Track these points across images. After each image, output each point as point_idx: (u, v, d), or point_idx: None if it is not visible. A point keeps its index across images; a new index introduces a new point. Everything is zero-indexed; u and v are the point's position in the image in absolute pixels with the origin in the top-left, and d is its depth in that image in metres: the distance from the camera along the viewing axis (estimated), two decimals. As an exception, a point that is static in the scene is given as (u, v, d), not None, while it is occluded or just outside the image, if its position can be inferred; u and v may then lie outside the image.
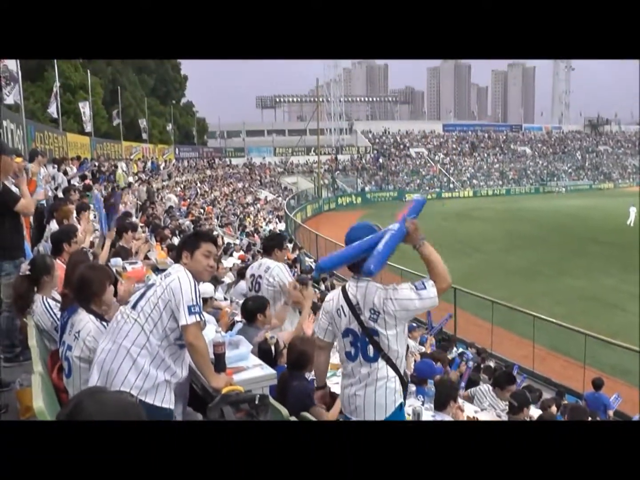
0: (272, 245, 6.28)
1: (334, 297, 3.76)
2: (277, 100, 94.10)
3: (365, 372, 3.56)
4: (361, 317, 3.49)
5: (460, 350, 12.46)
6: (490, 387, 7.04)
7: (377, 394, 3.52)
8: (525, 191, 71.96)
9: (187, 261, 3.68)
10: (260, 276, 6.03)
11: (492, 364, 12.03)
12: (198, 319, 3.48)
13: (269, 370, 4.23)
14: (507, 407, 6.43)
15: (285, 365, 4.71)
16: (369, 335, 3.48)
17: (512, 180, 74.89)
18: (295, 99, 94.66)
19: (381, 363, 3.51)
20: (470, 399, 7.10)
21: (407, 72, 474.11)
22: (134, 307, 3.57)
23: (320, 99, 73.21)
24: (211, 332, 4.48)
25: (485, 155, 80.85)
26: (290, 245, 24.22)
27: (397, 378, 3.56)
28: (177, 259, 3.83)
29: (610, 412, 10.46)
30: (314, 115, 68.47)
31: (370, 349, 3.51)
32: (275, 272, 5.90)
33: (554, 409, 8.67)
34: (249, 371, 4.16)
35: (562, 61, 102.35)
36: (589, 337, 13.48)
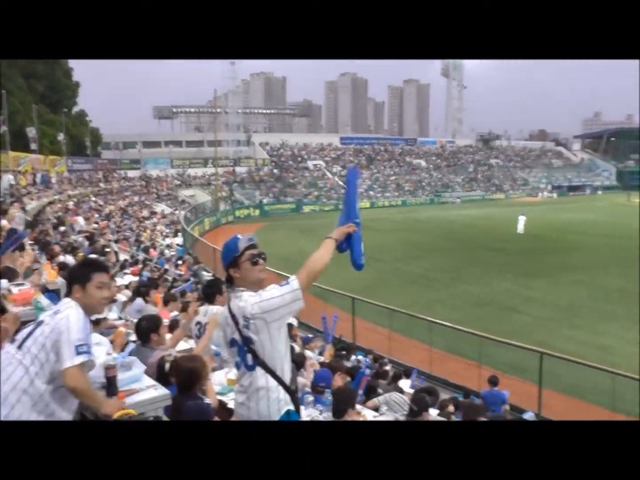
0: (213, 292, 6.50)
1: (224, 309, 3.74)
2: (174, 110, 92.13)
3: (247, 382, 3.54)
4: (239, 325, 3.48)
5: (359, 357, 12.63)
6: (404, 397, 7.08)
7: (260, 403, 3.49)
8: (421, 202, 74.18)
9: (79, 295, 3.54)
10: (207, 323, 6.07)
11: (389, 368, 12.21)
12: (85, 358, 3.35)
13: (163, 391, 4.15)
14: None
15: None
16: (246, 343, 3.48)
17: (408, 192, 76.92)
18: (192, 110, 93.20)
19: (260, 372, 3.49)
20: (376, 409, 7.12)
21: (305, 86, 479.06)
22: (19, 347, 3.38)
23: (219, 110, 72.63)
24: (102, 354, 4.37)
25: (382, 167, 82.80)
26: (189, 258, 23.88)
27: (280, 387, 3.52)
28: (67, 293, 3.65)
29: (507, 407, 10.98)
30: (211, 126, 67.76)
31: (249, 358, 3.50)
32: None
33: (451, 407, 8.88)
34: (143, 393, 4.07)
35: (454, 79, 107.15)
36: (483, 338, 14.10)
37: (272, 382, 3.48)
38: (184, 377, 4.43)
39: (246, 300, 3.44)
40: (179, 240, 33.07)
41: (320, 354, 10.91)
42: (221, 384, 5.75)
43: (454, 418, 8.24)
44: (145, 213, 41.63)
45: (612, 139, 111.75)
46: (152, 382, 4.28)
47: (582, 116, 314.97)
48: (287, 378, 3.56)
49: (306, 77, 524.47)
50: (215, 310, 6.07)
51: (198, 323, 6.42)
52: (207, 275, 20.10)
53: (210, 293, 6.55)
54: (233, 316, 3.52)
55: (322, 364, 8.63)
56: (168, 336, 6.16)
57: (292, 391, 3.61)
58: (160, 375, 4.75)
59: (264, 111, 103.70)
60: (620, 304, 21.72)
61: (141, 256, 21.43)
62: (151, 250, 25.28)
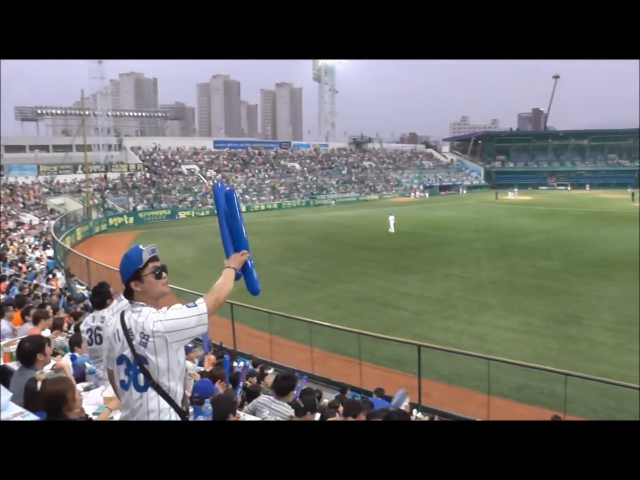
0: (102, 298, 6.33)
1: (113, 322, 3.41)
2: (39, 112, 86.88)
3: (137, 404, 3.24)
4: (133, 342, 3.20)
5: (241, 363, 12.41)
6: (270, 397, 6.97)
7: None
8: (296, 205, 74.73)
9: None
10: (98, 327, 5.94)
11: (271, 372, 12.06)
12: None
13: (31, 418, 3.75)
14: (291, 411, 6.43)
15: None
16: (140, 362, 3.20)
17: (283, 195, 77.27)
18: (59, 112, 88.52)
19: (152, 393, 3.23)
20: (252, 413, 6.96)
21: (176, 87, 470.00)
22: None
23: (87, 112, 69.56)
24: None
25: (257, 171, 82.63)
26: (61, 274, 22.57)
27: (172, 409, 3.28)
28: None
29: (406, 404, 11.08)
30: (80, 129, 64.64)
31: (141, 378, 3.22)
32: None
33: (341, 408, 8.84)
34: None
35: (326, 84, 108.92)
36: (362, 335, 14.31)
37: (164, 405, 3.25)
38: (49, 400, 4.06)
39: (147, 316, 3.19)
40: (49, 252, 31.23)
41: (200, 363, 10.64)
42: (97, 403, 5.36)
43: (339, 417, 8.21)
44: (11, 224, 39.25)
45: (479, 141, 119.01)
46: (19, 409, 3.90)
47: (450, 120, 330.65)
48: (179, 399, 3.34)
49: (177, 78, 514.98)
50: (104, 315, 5.83)
51: (89, 330, 6.21)
52: (80, 289, 19.15)
53: (100, 299, 6.31)
54: (126, 331, 3.23)
55: (202, 374, 8.40)
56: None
57: (183, 413, 3.39)
58: (29, 398, 4.37)
59: (135, 114, 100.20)
60: (493, 295, 22.92)
61: (8, 272, 20.05)
62: (19, 264, 23.76)
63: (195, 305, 3.22)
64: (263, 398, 7.04)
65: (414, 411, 10.96)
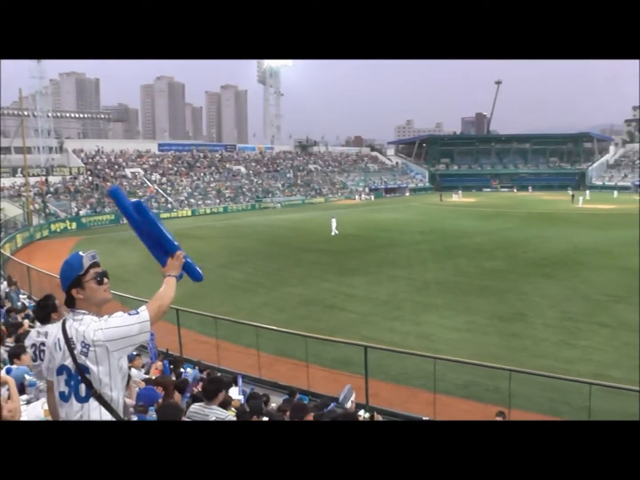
0: (47, 312, 6.09)
1: (54, 331, 3.32)
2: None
3: (78, 415, 3.12)
4: (75, 351, 3.09)
5: (188, 369, 12.25)
6: (201, 404, 6.84)
7: None
8: (242, 208, 74.19)
9: None
10: (42, 343, 5.58)
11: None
12: None
13: None
14: (224, 414, 6.34)
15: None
16: (81, 372, 3.09)
17: (228, 198, 76.66)
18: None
19: (93, 404, 3.11)
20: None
21: (119, 88, 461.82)
22: None
23: (26, 113, 67.56)
24: None
25: (202, 174, 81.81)
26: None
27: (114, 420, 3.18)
28: None
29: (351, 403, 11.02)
30: (18, 131, 62.62)
31: (82, 388, 3.11)
32: None
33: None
34: None
35: (271, 87, 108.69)
36: (308, 337, 14.32)
37: (106, 415, 3.13)
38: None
39: (88, 325, 3.08)
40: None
41: (147, 372, 10.44)
42: (37, 416, 5.23)
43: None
44: (-57, 232, 37.77)
45: (424, 144, 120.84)
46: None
47: (395, 123, 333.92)
48: (120, 410, 3.24)
49: (120, 79, 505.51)
50: (48, 330, 5.63)
51: (33, 345, 5.90)
52: (21, 298, 18.50)
53: (45, 313, 6.06)
54: (68, 340, 3.13)
55: (147, 381, 8.22)
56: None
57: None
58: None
59: (77, 115, 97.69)
60: (438, 295, 23.24)
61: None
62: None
63: (137, 313, 3.13)
64: (195, 406, 6.90)
65: (361, 412, 10.96)
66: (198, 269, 3.81)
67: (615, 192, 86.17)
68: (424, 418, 10.88)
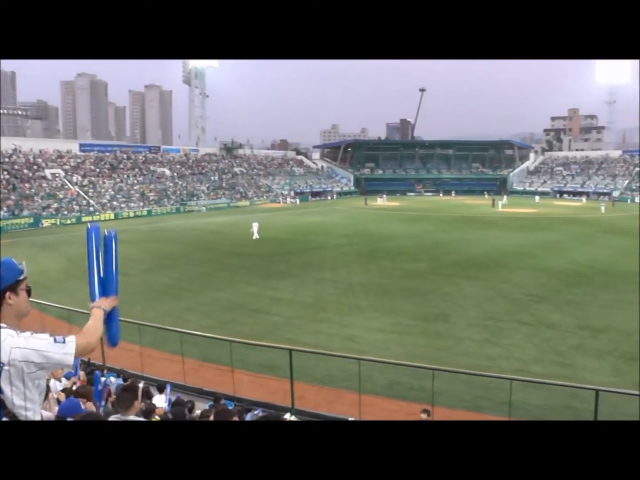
0: None
1: None
2: None
3: None
4: None
5: (111, 378, 11.96)
6: (117, 416, 6.69)
7: None
8: (167, 211, 73.01)
9: None
10: None
11: (141, 386, 11.67)
12: None
13: None
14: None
15: None
16: None
17: (153, 201, 75.28)
18: None
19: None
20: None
21: (38, 84, 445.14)
22: None
23: None
24: None
25: (125, 176, 79.98)
26: None
27: None
28: None
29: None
30: None
31: None
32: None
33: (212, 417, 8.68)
34: None
35: (197, 87, 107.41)
36: (234, 342, 14.21)
37: None
38: None
39: (4, 340, 2.82)
40: None
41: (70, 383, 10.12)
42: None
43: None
44: None
45: (349, 149, 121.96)
46: None
47: (320, 128, 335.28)
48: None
49: (39, 74, 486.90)
50: None
51: None
52: None
53: None
54: None
55: (66, 392, 7.99)
56: None
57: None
58: None
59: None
60: (363, 297, 23.54)
61: None
62: None
63: (64, 343, 2.92)
64: (112, 418, 6.76)
65: (288, 415, 11.00)
66: (119, 333, 3.69)
67: (537, 197, 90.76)
68: (349, 419, 10.99)
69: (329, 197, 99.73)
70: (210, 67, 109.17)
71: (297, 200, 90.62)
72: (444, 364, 14.91)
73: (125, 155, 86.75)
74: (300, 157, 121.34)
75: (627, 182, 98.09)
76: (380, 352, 16.53)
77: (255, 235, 42.62)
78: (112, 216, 65.06)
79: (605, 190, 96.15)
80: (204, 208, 75.74)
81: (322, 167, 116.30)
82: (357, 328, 19.31)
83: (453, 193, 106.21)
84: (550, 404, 13.26)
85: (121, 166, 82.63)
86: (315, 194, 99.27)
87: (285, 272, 29.10)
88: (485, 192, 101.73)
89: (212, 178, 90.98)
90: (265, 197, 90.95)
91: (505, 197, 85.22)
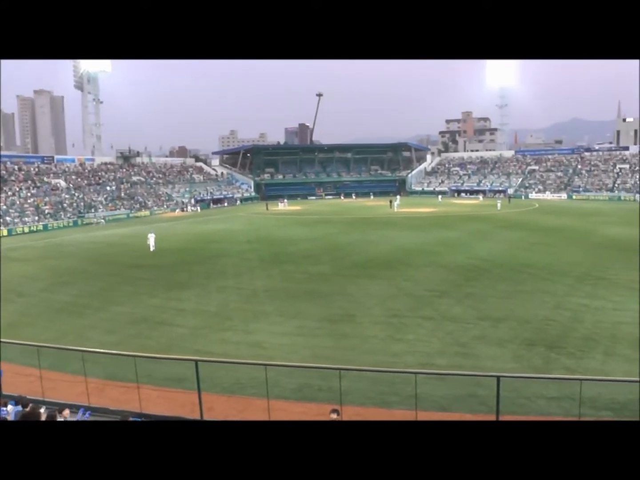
0: None
1: None
2: None
3: None
4: None
5: (10, 406, 11.47)
6: None
7: None
8: (63, 225, 70.25)
9: None
10: None
11: (42, 411, 11.28)
12: None
13: None
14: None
15: None
16: None
17: (48, 215, 72.32)
18: None
19: None
20: None
21: None
22: None
23: None
24: None
25: (17, 189, 76.41)
26: None
27: None
28: None
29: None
30: None
31: None
32: None
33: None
34: None
35: (90, 93, 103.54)
36: (138, 357, 13.98)
37: None
38: None
39: None
40: None
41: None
42: None
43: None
44: None
45: (248, 154, 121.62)
46: None
47: (219, 133, 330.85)
48: None
49: None
50: None
51: None
52: None
53: None
54: None
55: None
56: None
57: None
58: None
59: None
60: (268, 303, 23.71)
61: None
62: None
63: None
64: None
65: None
66: None
67: (440, 197, 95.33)
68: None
69: (231, 204, 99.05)
70: (102, 72, 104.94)
71: (198, 208, 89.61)
72: (351, 363, 15.33)
73: (16, 167, 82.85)
74: (199, 164, 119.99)
75: (520, 179, 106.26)
76: (287, 356, 16.73)
77: (152, 248, 41.26)
78: (5, 232, 61.79)
79: (500, 188, 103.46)
80: (102, 220, 73.38)
81: (222, 173, 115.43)
82: (263, 334, 19.44)
83: (354, 195, 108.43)
84: (455, 394, 13.88)
85: (12, 178, 78.82)
86: (216, 201, 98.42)
87: (188, 282, 28.81)
88: (371, 194, 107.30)
89: (109, 188, 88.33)
90: (165, 206, 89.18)
91: (398, 197, 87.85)
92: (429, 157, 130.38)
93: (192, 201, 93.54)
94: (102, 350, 14.98)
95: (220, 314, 22.20)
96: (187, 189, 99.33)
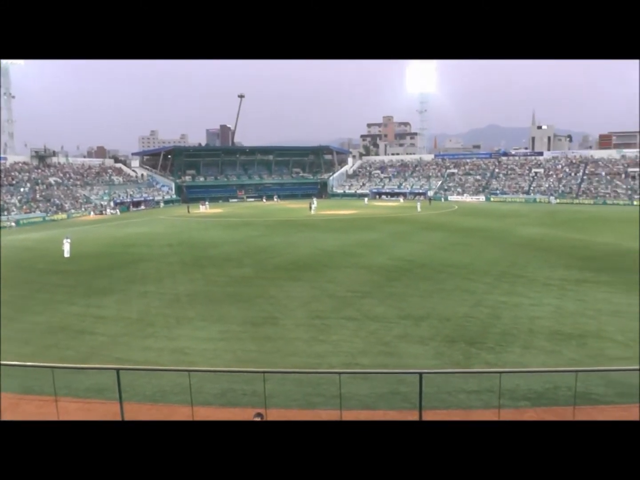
0: None
1: None
2: None
3: None
4: None
5: None
6: None
7: None
8: (-28, 230, 67.21)
9: None
10: None
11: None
12: None
13: None
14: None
15: None
16: None
17: (-44, 220, 69.06)
18: None
19: None
20: None
21: None
22: None
23: None
24: None
25: None
26: None
27: None
28: None
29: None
30: None
31: None
32: None
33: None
34: None
35: (2, 87, 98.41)
36: (55, 368, 13.46)
37: None
38: None
39: None
40: None
41: None
42: None
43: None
44: None
45: (169, 156, 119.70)
46: None
47: (139, 134, 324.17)
48: None
49: None
50: None
51: None
52: None
53: None
54: None
55: None
56: None
57: None
58: None
59: None
60: (190, 307, 23.48)
61: None
62: None
63: None
64: None
65: None
66: None
67: (366, 199, 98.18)
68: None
69: (151, 207, 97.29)
70: (14, 64, 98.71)
71: (118, 211, 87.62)
72: (275, 366, 15.42)
73: None
74: (119, 165, 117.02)
75: (440, 182, 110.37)
76: (210, 361, 16.62)
77: (67, 254, 39.24)
78: None
79: (420, 191, 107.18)
80: (14, 224, 70.26)
81: (142, 175, 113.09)
82: (186, 339, 19.21)
83: (275, 198, 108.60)
84: (379, 392, 14.16)
85: None
86: (136, 204, 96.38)
87: (108, 287, 28.07)
88: (275, 197, 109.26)
89: (23, 189, 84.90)
90: (83, 209, 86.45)
91: (315, 199, 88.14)
92: (350, 160, 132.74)
93: (112, 204, 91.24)
94: (17, 363, 14.30)
95: (142, 320, 21.76)
96: (106, 191, 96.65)
